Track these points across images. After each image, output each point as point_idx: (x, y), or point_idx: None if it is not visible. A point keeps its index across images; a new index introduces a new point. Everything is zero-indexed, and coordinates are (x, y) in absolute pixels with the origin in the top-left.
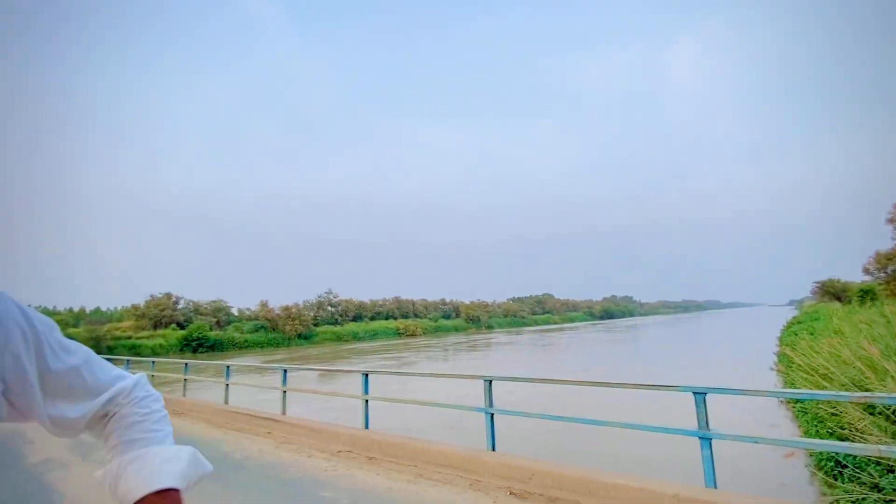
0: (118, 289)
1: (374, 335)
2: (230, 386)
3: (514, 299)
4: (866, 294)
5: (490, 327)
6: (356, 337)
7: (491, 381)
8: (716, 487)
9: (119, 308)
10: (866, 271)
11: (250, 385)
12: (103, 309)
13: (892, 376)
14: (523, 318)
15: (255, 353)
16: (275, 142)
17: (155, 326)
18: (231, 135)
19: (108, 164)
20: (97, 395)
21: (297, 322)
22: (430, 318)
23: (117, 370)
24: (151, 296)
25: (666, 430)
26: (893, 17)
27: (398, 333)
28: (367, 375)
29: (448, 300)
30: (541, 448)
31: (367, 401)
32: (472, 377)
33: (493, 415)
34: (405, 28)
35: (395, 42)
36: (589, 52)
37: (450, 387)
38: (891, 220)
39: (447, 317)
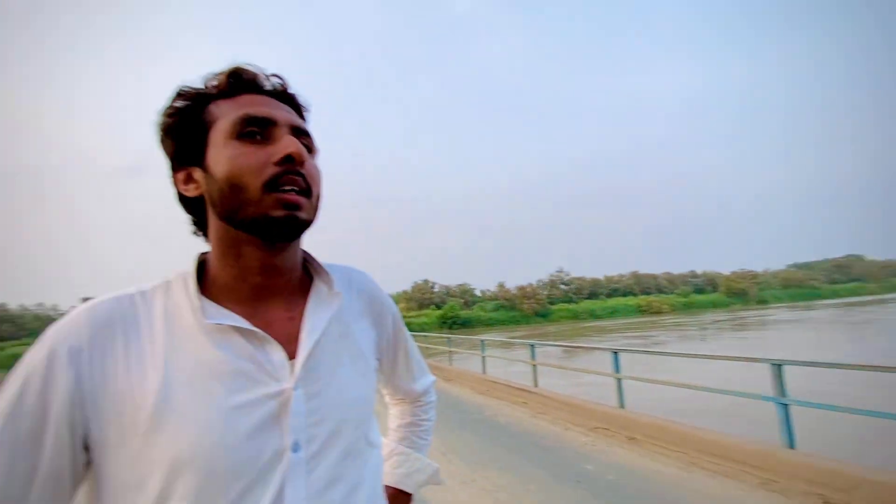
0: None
1: (612, 313)
2: (485, 358)
3: (798, 265)
4: None
5: (764, 301)
6: (593, 315)
7: (781, 366)
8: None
9: (391, 293)
10: None
11: (500, 358)
12: None
13: None
14: (814, 288)
15: (498, 330)
16: (482, 128)
17: (419, 307)
18: (444, 126)
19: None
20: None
21: (533, 300)
22: (679, 294)
23: None
24: (415, 282)
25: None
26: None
27: (640, 311)
28: (616, 353)
29: (700, 272)
30: (858, 453)
31: (619, 379)
32: (753, 360)
33: (787, 405)
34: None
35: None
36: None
37: (711, 371)
38: None
39: (700, 291)
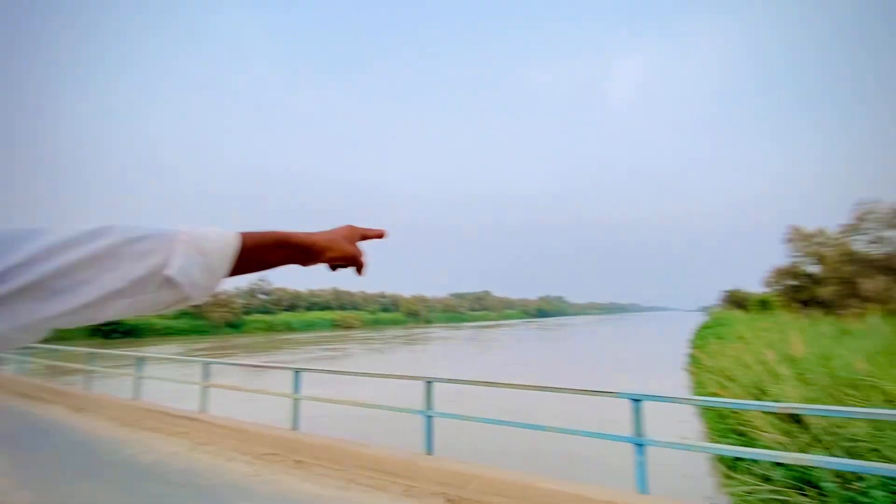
0: None
1: (309, 326)
2: (145, 380)
3: (454, 294)
4: (764, 304)
5: (429, 322)
6: (290, 327)
7: (431, 383)
8: (647, 493)
9: None
10: (766, 283)
11: (163, 379)
12: None
13: (787, 379)
14: (461, 314)
15: (178, 341)
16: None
17: None
18: None
19: None
20: None
21: (225, 309)
22: (369, 311)
23: None
24: None
25: (603, 436)
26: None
27: (335, 325)
28: (298, 372)
29: (387, 293)
30: (481, 452)
31: (296, 400)
32: (412, 378)
33: (431, 417)
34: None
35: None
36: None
37: (391, 386)
38: (787, 241)
39: (386, 310)
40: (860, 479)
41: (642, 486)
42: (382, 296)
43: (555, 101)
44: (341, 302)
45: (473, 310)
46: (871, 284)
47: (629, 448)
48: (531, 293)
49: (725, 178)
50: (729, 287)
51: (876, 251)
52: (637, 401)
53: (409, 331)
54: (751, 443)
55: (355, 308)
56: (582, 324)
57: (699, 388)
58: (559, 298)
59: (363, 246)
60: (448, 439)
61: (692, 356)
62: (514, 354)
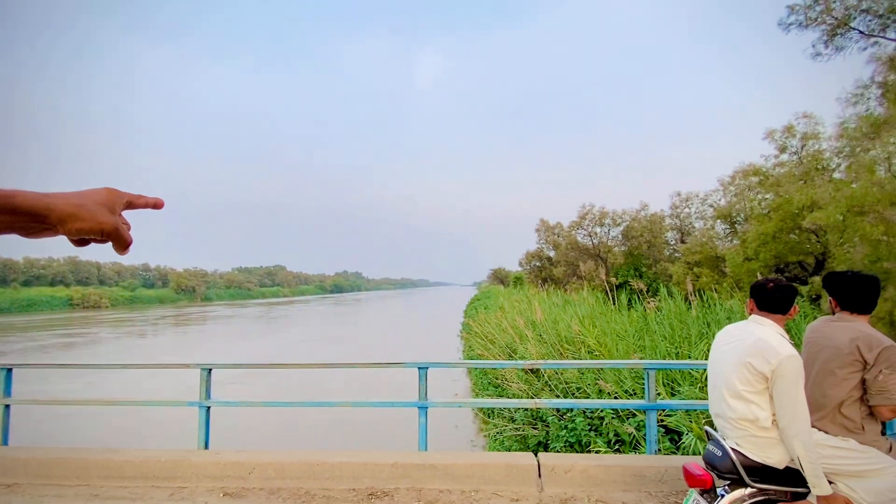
0: None
1: (29, 306)
2: None
3: (240, 269)
4: (519, 280)
5: (208, 299)
6: None
7: (210, 370)
8: (427, 450)
9: None
10: (520, 264)
11: None
12: None
13: (530, 340)
14: (249, 289)
15: None
16: None
17: None
18: None
19: None
20: None
21: None
22: (124, 286)
23: None
24: None
25: (392, 405)
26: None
27: (71, 304)
28: (10, 371)
29: (154, 266)
30: (268, 438)
31: (7, 405)
32: (181, 366)
33: (209, 408)
34: None
35: None
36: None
37: (160, 377)
38: (537, 230)
39: (150, 286)
40: (570, 411)
41: (424, 444)
42: (146, 269)
43: (362, 73)
44: (81, 275)
45: (264, 285)
46: (585, 267)
47: (413, 412)
48: (328, 269)
49: (504, 171)
50: (495, 266)
51: (589, 242)
52: (423, 369)
53: (181, 310)
54: (504, 392)
55: (102, 283)
56: (377, 298)
57: (469, 351)
58: (357, 274)
59: (131, 216)
60: (235, 429)
61: (465, 324)
62: (309, 331)
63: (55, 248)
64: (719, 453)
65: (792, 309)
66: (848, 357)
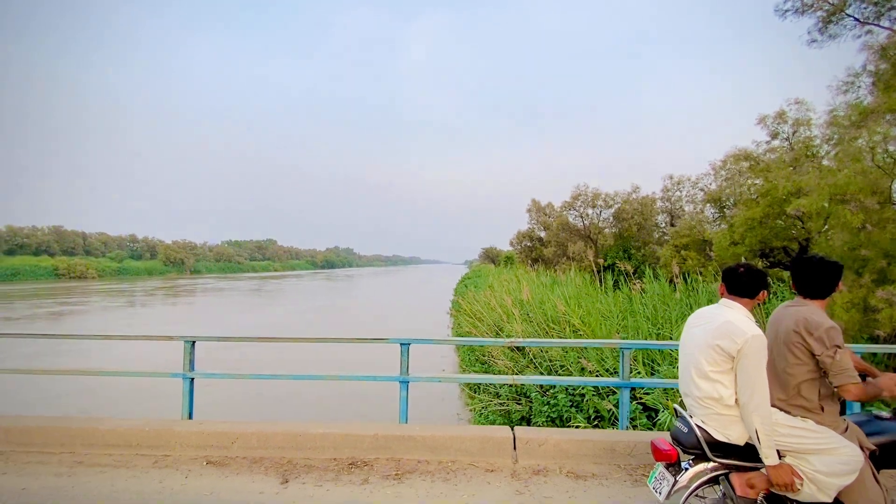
0: None
1: (13, 275)
2: None
3: (230, 242)
4: (509, 260)
5: (197, 272)
6: None
7: (194, 343)
8: (407, 423)
9: None
10: (511, 244)
11: None
12: None
13: (517, 318)
14: (240, 263)
15: None
16: None
17: None
18: None
19: None
20: None
21: None
22: (111, 257)
23: None
24: None
25: (374, 378)
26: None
27: (57, 275)
28: None
29: (142, 237)
30: (253, 410)
31: None
32: (164, 338)
33: (192, 379)
34: None
35: None
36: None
37: (150, 349)
38: (528, 211)
39: (138, 257)
40: (553, 388)
41: (404, 417)
42: (133, 240)
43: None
44: (67, 245)
45: (255, 259)
46: (574, 247)
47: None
48: (319, 244)
49: (498, 150)
50: (486, 245)
51: (580, 223)
52: (405, 345)
53: (172, 282)
54: (490, 369)
55: (89, 253)
56: (369, 274)
57: (457, 328)
58: (348, 250)
59: (121, 189)
60: (220, 402)
61: (454, 302)
62: (305, 305)
63: (39, 217)
64: (685, 430)
65: (760, 294)
66: (795, 340)
